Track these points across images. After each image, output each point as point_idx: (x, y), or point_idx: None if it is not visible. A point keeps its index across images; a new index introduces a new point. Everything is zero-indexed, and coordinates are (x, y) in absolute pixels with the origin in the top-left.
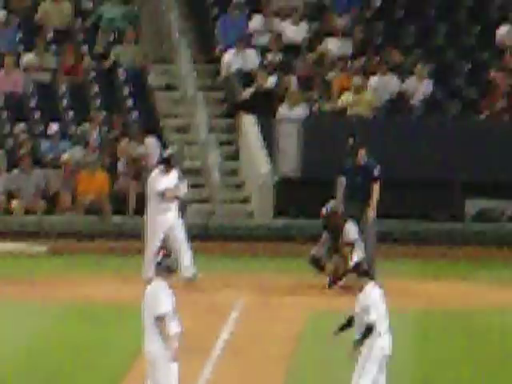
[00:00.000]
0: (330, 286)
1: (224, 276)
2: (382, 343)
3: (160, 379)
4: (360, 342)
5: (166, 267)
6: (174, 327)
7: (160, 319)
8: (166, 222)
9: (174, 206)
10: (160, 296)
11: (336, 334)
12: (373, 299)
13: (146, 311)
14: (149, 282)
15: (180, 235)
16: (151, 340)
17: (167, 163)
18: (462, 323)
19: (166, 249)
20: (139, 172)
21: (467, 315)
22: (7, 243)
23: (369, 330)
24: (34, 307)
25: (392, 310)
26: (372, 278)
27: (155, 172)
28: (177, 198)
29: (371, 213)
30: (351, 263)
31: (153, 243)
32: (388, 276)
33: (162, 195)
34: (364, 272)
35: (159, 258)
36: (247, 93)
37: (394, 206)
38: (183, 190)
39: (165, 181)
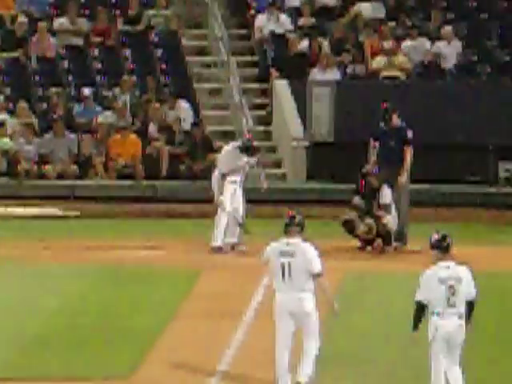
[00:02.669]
0: (362, 248)
1: (256, 239)
2: (434, 324)
3: (317, 331)
4: (414, 323)
5: (303, 224)
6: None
7: (320, 275)
8: (229, 192)
9: (237, 179)
10: (314, 253)
11: (415, 329)
12: (423, 278)
13: (298, 268)
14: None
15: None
16: (309, 296)
17: (245, 150)
18: (494, 285)
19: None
20: (171, 136)
21: (499, 277)
22: (40, 207)
23: (416, 307)
24: (69, 270)
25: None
26: (445, 256)
27: (230, 147)
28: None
29: (404, 176)
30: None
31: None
32: (422, 240)
33: (223, 176)
34: (442, 248)
35: (288, 218)
36: None
37: (427, 170)
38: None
39: (234, 162)
